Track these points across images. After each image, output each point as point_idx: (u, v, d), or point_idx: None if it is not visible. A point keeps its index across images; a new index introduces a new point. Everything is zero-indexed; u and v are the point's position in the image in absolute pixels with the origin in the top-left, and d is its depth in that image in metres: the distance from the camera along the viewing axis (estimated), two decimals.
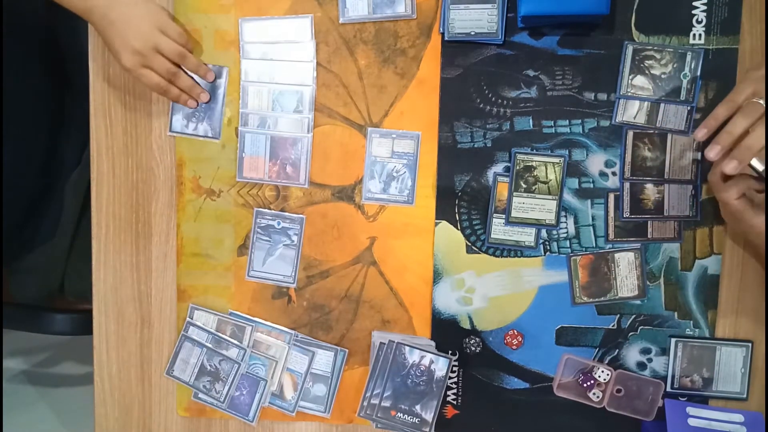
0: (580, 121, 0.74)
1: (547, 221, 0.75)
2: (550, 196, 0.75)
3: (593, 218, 0.75)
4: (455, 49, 0.75)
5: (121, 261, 0.80)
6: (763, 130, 0.61)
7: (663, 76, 0.73)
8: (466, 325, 0.77)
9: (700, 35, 0.72)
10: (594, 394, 0.76)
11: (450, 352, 0.78)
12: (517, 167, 0.75)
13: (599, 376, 0.76)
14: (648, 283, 0.75)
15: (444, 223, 0.77)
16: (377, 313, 0.78)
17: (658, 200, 0.74)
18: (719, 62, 0.72)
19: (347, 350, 0.79)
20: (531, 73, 0.74)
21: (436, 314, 0.78)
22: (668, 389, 0.76)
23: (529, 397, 0.78)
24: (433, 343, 0.77)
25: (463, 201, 0.76)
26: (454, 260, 0.77)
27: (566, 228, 0.75)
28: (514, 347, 0.77)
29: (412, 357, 0.76)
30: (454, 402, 0.78)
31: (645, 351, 0.76)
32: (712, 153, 0.63)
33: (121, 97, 0.79)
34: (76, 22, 0.73)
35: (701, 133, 0.66)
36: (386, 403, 0.76)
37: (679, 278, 0.75)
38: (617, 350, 0.76)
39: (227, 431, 0.81)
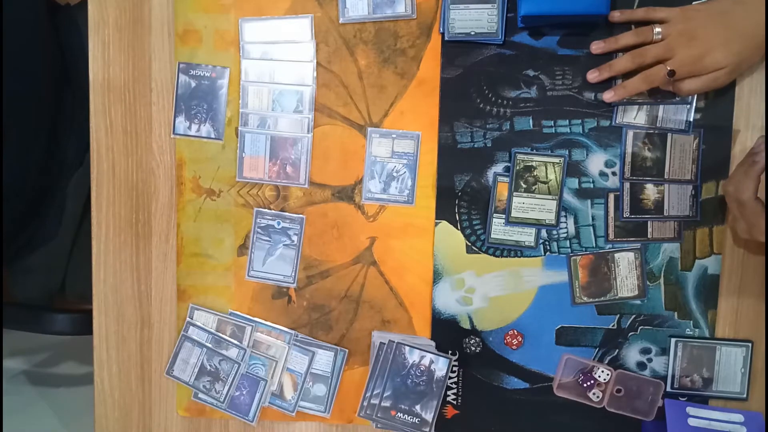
0: (580, 121, 0.74)
1: (547, 221, 0.75)
2: (550, 196, 0.75)
3: (593, 218, 0.75)
4: (455, 49, 0.75)
5: (121, 261, 0.80)
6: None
7: None
8: (466, 325, 0.77)
9: None
10: (594, 394, 0.76)
11: (450, 352, 0.78)
12: (517, 167, 0.75)
13: (599, 376, 0.76)
14: (648, 283, 0.75)
15: (444, 223, 0.77)
16: (377, 313, 0.78)
17: (658, 200, 0.74)
18: None
19: (347, 350, 0.79)
20: (531, 73, 0.74)
21: (436, 314, 0.78)
22: (668, 389, 0.76)
23: (529, 397, 0.78)
24: (433, 343, 0.77)
25: (463, 201, 0.76)
26: (454, 260, 0.77)
27: (566, 228, 0.75)
28: (514, 347, 0.77)
29: (412, 357, 0.76)
30: (454, 402, 0.78)
31: (645, 351, 0.76)
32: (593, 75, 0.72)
33: (121, 97, 0.79)
34: (77, 21, 0.73)
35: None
36: (386, 403, 0.76)
37: (679, 278, 0.75)
38: (617, 350, 0.76)
39: (227, 431, 0.81)
